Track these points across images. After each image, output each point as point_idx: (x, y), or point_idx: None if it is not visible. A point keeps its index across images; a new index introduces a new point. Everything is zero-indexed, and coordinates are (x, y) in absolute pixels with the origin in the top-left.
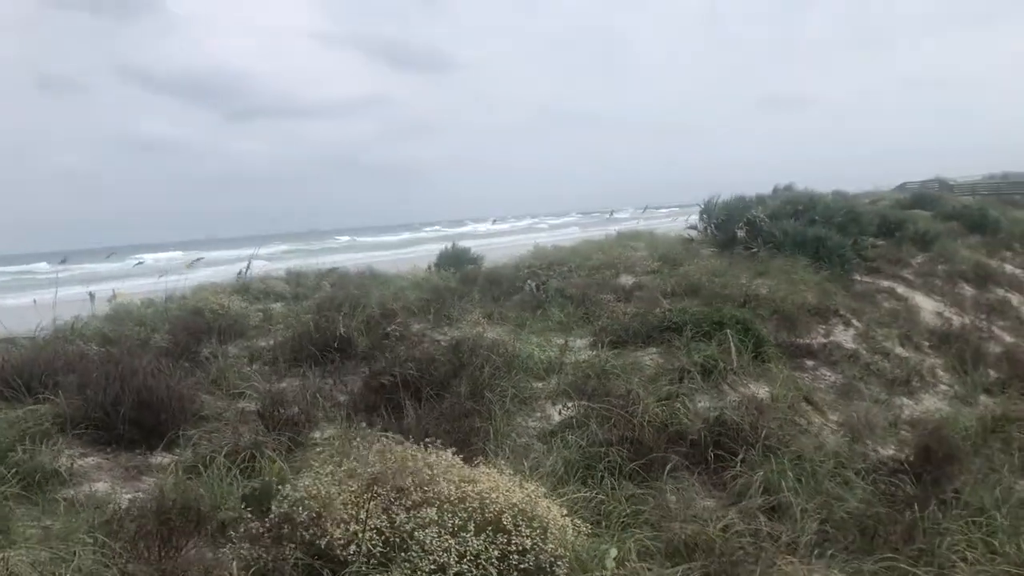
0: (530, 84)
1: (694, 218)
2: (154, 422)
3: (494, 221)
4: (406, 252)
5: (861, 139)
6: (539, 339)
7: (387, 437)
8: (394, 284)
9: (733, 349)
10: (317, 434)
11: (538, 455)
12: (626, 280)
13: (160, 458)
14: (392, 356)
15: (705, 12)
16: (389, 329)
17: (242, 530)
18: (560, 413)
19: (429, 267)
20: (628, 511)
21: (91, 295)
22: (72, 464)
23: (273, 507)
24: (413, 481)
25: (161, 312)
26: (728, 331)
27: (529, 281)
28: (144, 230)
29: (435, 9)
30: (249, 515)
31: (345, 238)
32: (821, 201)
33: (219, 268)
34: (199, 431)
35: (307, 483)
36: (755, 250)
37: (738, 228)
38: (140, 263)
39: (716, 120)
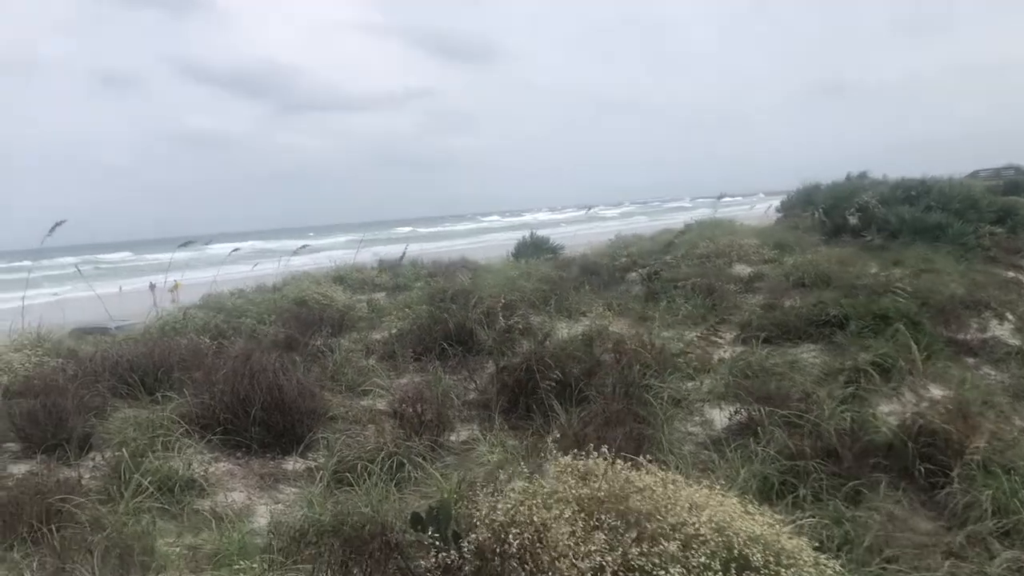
0: (575, 73)
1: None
2: (285, 424)
3: (551, 210)
4: (475, 241)
5: (916, 125)
6: (670, 333)
7: (551, 443)
8: (500, 273)
9: (914, 347)
10: (452, 436)
11: (717, 466)
12: (741, 270)
13: (294, 464)
14: (524, 350)
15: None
16: (511, 321)
17: (433, 560)
18: (730, 417)
19: (508, 256)
20: (845, 536)
21: (172, 283)
22: (205, 471)
23: (453, 529)
24: (644, 507)
25: (264, 302)
26: (900, 327)
27: (639, 270)
28: (192, 223)
29: (485, 1)
30: (435, 540)
31: (406, 228)
32: (935, 186)
33: (308, 257)
34: (332, 434)
35: (510, 506)
36: (869, 238)
37: (848, 214)
38: (236, 250)
39: (765, 107)
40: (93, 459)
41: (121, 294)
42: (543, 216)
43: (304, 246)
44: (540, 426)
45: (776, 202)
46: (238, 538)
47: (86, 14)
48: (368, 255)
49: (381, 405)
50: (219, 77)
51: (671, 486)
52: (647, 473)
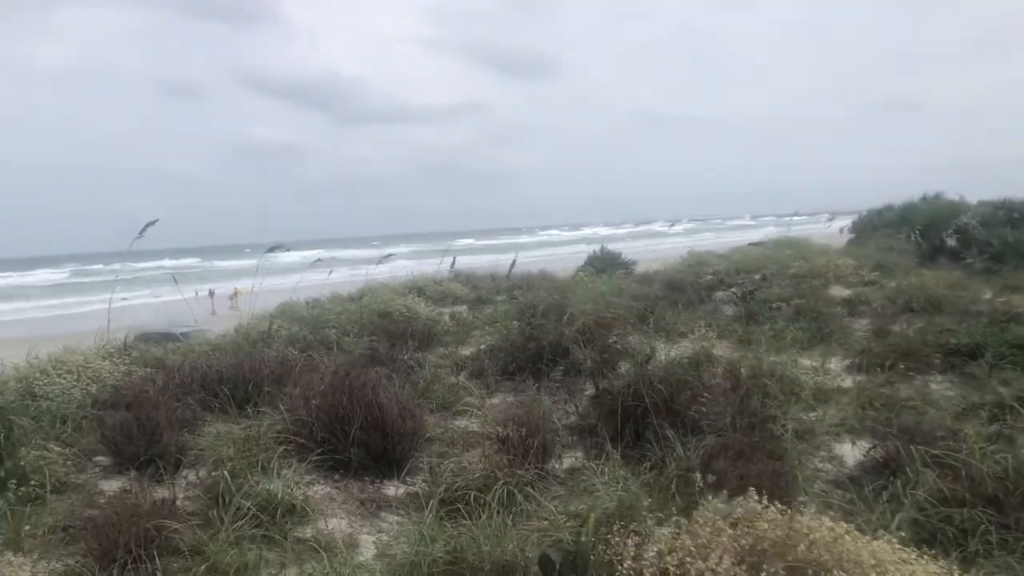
0: (630, 87)
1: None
2: (384, 445)
3: (608, 225)
4: (539, 254)
5: (981, 145)
6: (778, 358)
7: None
8: (587, 288)
9: None
10: (555, 463)
11: (858, 509)
12: (839, 291)
13: (395, 489)
14: (625, 372)
15: (810, 15)
16: (610, 341)
17: None
18: (865, 454)
19: (578, 269)
20: None
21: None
22: (305, 495)
23: None
24: (819, 560)
25: (343, 313)
26: None
27: (727, 289)
28: (255, 232)
29: (538, 15)
30: None
31: (467, 240)
32: None
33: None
34: (432, 457)
35: (656, 554)
36: (969, 261)
37: (946, 236)
38: (319, 261)
39: (824, 124)
40: (186, 477)
41: (196, 299)
42: (602, 231)
43: (389, 255)
44: (658, 458)
45: (847, 222)
46: (348, 573)
47: (152, 27)
48: (431, 266)
49: (475, 426)
50: (281, 89)
51: (846, 537)
52: (811, 519)
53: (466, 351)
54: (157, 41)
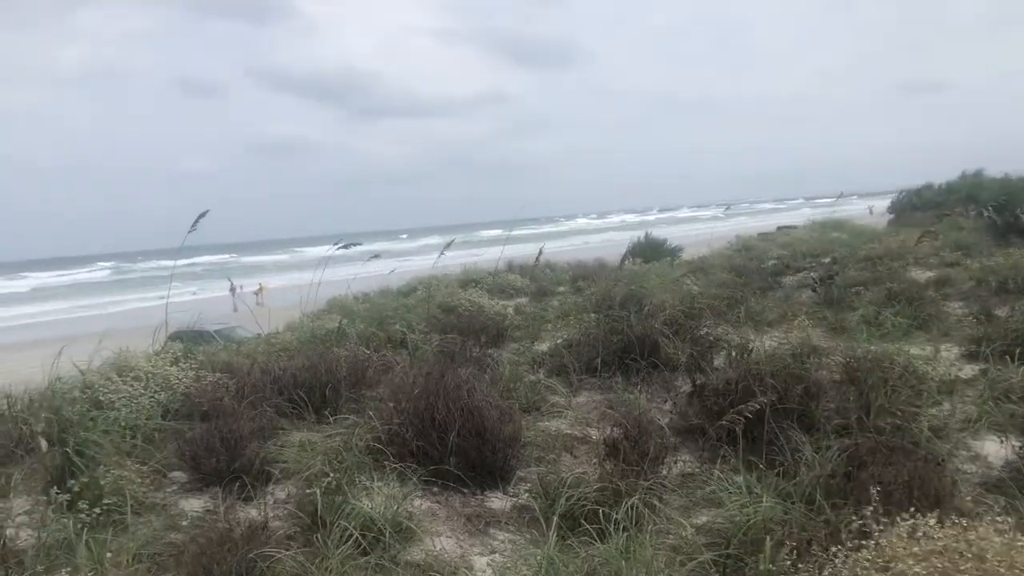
0: (650, 75)
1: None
2: (483, 453)
3: (635, 212)
4: (575, 242)
5: (1007, 123)
6: (880, 347)
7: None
8: (658, 275)
9: None
10: (663, 469)
11: None
12: (920, 274)
13: (500, 502)
14: (719, 366)
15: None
16: (702, 332)
17: None
18: (1019, 453)
19: (624, 257)
20: None
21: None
22: (408, 512)
23: None
24: None
25: (400, 308)
26: None
27: (797, 273)
28: (275, 228)
29: (554, 3)
30: None
31: (495, 231)
32: None
33: (415, 260)
34: (532, 465)
35: None
36: None
37: (1021, 213)
38: (377, 256)
39: (846, 107)
40: (273, 494)
41: (235, 295)
42: (630, 218)
43: (451, 241)
44: (785, 462)
45: (886, 202)
46: None
47: (165, 26)
48: (465, 257)
49: (565, 427)
50: (298, 84)
51: None
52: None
53: (542, 346)
54: (171, 40)
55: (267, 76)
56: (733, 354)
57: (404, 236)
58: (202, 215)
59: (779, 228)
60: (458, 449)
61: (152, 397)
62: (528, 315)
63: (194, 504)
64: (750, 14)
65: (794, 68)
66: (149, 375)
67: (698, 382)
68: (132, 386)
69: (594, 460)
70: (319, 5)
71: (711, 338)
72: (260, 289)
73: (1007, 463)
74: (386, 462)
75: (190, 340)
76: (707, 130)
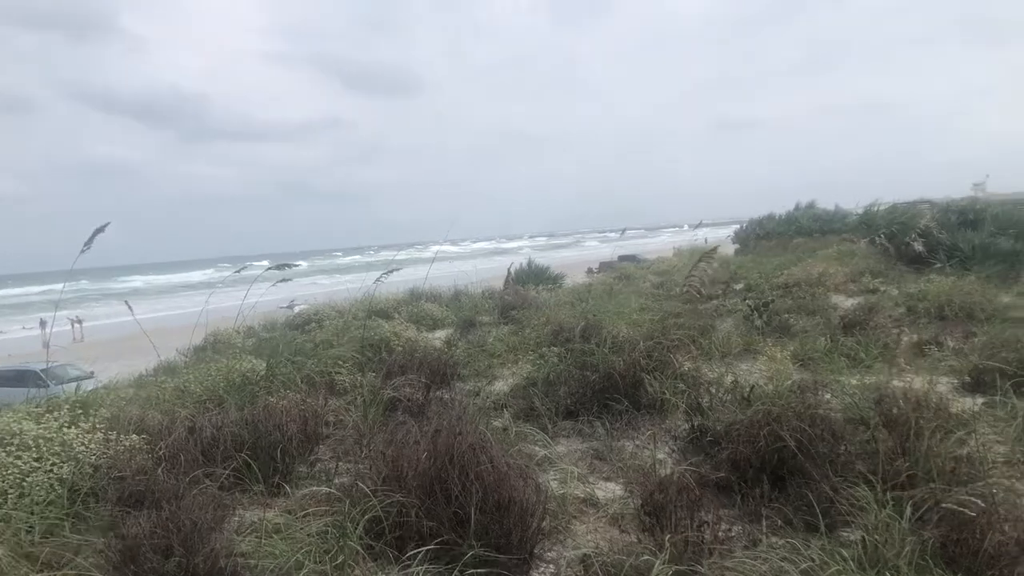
0: (484, 107)
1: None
2: (507, 530)
3: (472, 241)
4: (446, 268)
5: (808, 161)
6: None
7: None
8: (604, 305)
9: None
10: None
11: None
12: (842, 300)
13: None
14: (738, 407)
15: (652, 35)
16: (684, 368)
17: None
18: None
19: (507, 283)
20: None
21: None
22: None
23: None
24: None
25: (297, 344)
26: None
27: (747, 302)
28: (89, 254)
29: (393, 33)
30: None
31: (352, 257)
32: (989, 211)
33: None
34: (547, 541)
35: None
36: (938, 264)
37: (911, 241)
38: (288, 266)
39: (674, 140)
40: None
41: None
42: (486, 245)
43: (285, 266)
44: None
45: (731, 231)
46: None
47: None
48: (332, 286)
49: (557, 485)
50: (125, 104)
51: None
52: None
53: (499, 386)
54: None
55: (87, 94)
56: (718, 392)
57: (225, 264)
58: (99, 230)
59: (620, 257)
60: (478, 527)
61: (49, 472)
62: (470, 351)
63: None
64: (579, 49)
65: (622, 103)
66: (41, 441)
67: (697, 425)
68: (22, 459)
69: (618, 529)
70: (146, 25)
71: (693, 374)
72: (75, 323)
73: None
74: (390, 550)
75: (9, 382)
76: (538, 160)
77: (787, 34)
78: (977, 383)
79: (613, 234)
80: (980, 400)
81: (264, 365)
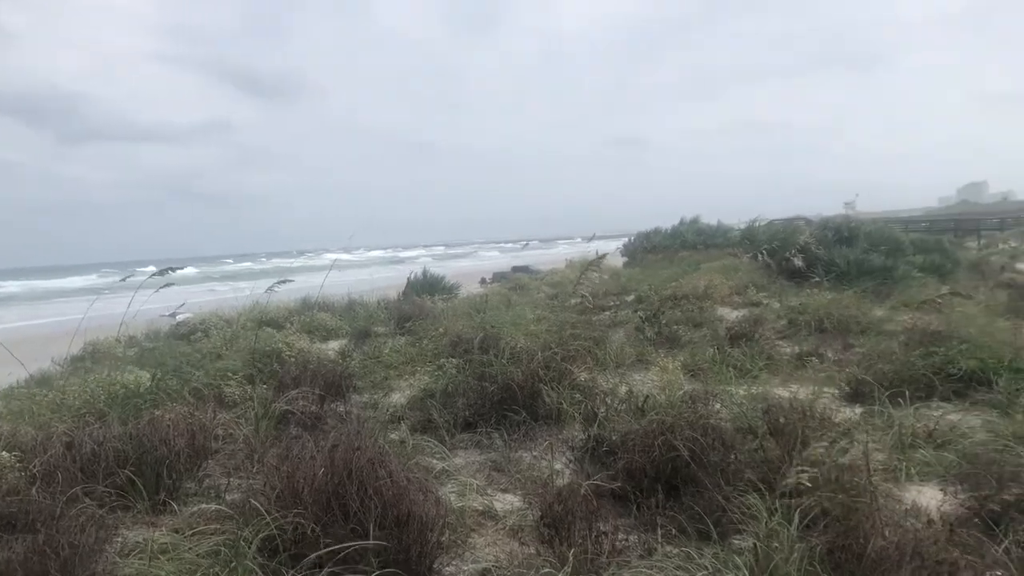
0: (378, 115)
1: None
2: (408, 546)
3: (364, 249)
4: (342, 276)
5: (692, 179)
6: (741, 390)
7: None
8: (501, 315)
9: None
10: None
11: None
12: (727, 312)
13: None
14: (633, 416)
15: (542, 53)
16: (582, 378)
17: None
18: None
19: (398, 295)
20: None
21: None
22: None
23: None
24: None
25: (190, 355)
26: None
27: (638, 313)
28: None
29: (286, 38)
30: None
31: (243, 264)
32: (862, 229)
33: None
34: (446, 556)
35: None
36: (816, 279)
37: (791, 256)
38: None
39: (566, 155)
40: None
41: None
42: (375, 254)
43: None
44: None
45: (620, 244)
46: None
47: None
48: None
49: (455, 498)
50: None
51: None
52: None
53: (395, 398)
54: None
55: None
56: (613, 403)
57: (105, 270)
58: None
59: (513, 268)
60: (377, 544)
61: None
62: (366, 362)
63: None
64: (464, 64)
65: (514, 119)
66: None
67: (593, 435)
68: None
69: (518, 541)
70: (16, 16)
71: (589, 384)
72: None
73: (962, 519)
74: (286, 570)
75: None
76: (433, 171)
77: (673, 59)
78: (856, 393)
79: (510, 245)
80: (859, 410)
81: (148, 376)
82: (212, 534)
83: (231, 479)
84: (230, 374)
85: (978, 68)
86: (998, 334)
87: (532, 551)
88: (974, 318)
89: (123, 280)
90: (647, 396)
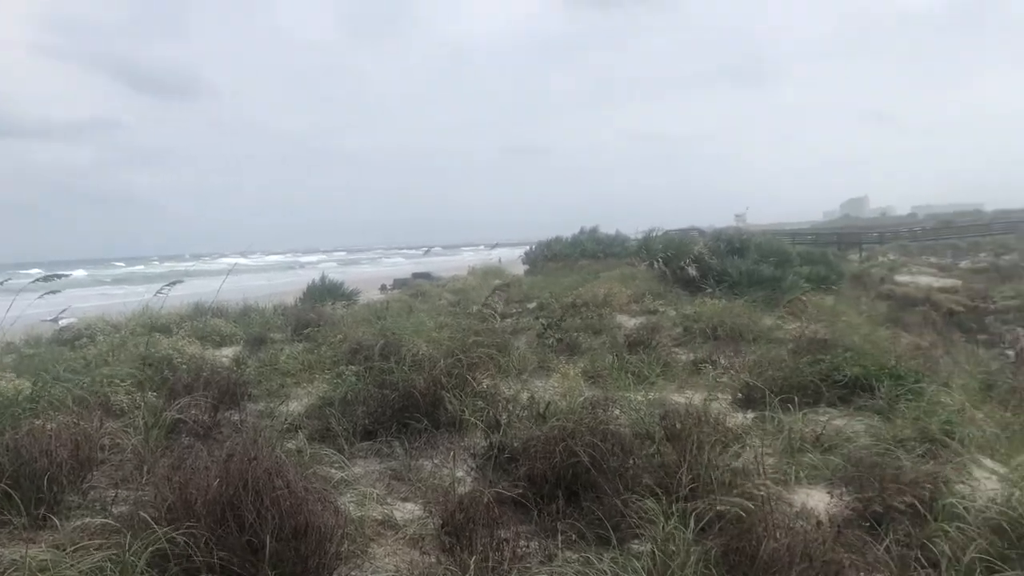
0: (276, 118)
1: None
2: (303, 556)
3: (259, 254)
4: (241, 281)
5: (593, 189)
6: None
7: None
8: (399, 321)
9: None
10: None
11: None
12: (626, 320)
13: None
14: (534, 423)
15: (448, 59)
16: (484, 385)
17: None
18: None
19: (296, 300)
20: None
21: None
22: None
23: None
24: None
25: (69, 361)
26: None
27: (540, 320)
28: None
29: (182, 36)
30: None
31: (135, 267)
32: (752, 240)
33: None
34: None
35: None
36: (708, 289)
37: (686, 265)
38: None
39: (468, 163)
40: None
41: None
42: (273, 259)
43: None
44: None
45: (522, 252)
46: None
47: None
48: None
49: (354, 508)
50: None
51: None
52: None
53: (292, 406)
54: None
55: None
56: (515, 409)
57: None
58: None
59: (413, 275)
60: (273, 554)
61: None
62: (261, 369)
63: None
64: (373, 67)
65: (420, 125)
66: None
67: (495, 442)
68: None
69: (418, 551)
70: None
71: (492, 391)
72: None
73: (830, 516)
74: None
75: None
76: (336, 177)
77: (572, 70)
78: (748, 399)
79: (413, 251)
80: (751, 415)
81: (27, 384)
82: (97, 549)
83: (118, 491)
84: (118, 381)
85: (857, 88)
86: (880, 342)
87: (433, 560)
88: (858, 327)
89: (0, 284)
90: (548, 403)
